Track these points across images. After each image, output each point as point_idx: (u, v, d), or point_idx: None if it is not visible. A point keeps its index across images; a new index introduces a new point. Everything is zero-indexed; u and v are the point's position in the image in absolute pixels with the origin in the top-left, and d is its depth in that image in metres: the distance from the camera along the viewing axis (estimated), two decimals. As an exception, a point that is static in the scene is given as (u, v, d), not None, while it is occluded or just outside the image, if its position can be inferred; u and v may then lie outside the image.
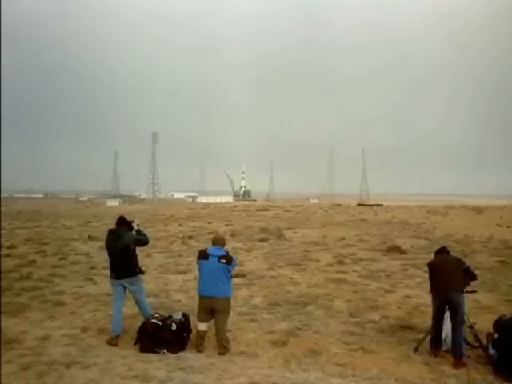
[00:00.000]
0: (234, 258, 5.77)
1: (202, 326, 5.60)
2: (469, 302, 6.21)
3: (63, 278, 9.78)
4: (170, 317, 5.81)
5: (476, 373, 4.90)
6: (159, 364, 4.97)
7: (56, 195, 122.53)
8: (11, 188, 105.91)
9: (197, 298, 5.82)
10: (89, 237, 17.29)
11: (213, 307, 5.53)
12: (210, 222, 26.58)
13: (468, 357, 5.21)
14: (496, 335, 5.17)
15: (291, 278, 9.89)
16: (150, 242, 6.72)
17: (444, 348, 5.48)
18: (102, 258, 10.31)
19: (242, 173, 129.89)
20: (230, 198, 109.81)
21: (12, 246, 14.53)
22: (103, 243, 6.54)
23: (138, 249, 6.13)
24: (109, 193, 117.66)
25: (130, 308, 6.47)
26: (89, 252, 13.63)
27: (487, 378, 4.76)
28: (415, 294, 8.29)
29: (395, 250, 13.85)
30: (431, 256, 6.14)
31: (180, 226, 24.17)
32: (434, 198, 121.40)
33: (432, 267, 5.70)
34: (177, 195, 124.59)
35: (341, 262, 11.96)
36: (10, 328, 6.07)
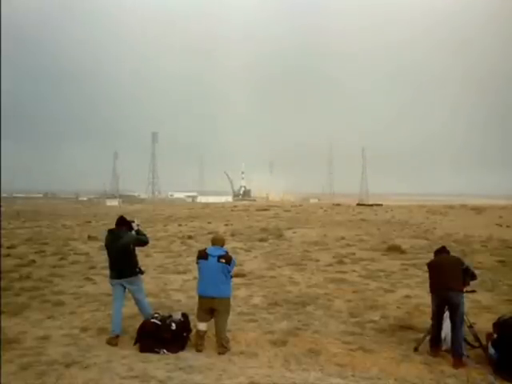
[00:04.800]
0: (233, 257, 5.78)
1: (202, 326, 5.60)
2: (469, 301, 6.21)
3: (63, 277, 9.79)
4: (170, 316, 5.81)
5: (476, 373, 4.90)
6: (159, 364, 4.97)
7: (56, 195, 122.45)
8: (11, 188, 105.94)
9: (196, 297, 5.82)
10: (88, 237, 17.31)
11: (212, 307, 5.53)
12: (209, 222, 26.57)
13: (468, 357, 5.21)
14: (496, 335, 5.17)
15: (291, 278, 9.89)
16: (150, 242, 6.73)
17: (444, 348, 5.48)
18: (102, 258, 10.33)
19: (242, 173, 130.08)
20: (229, 198, 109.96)
21: (12, 246, 14.54)
22: (103, 243, 6.54)
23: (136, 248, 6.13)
24: (108, 193, 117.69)
25: (129, 308, 6.47)
26: (88, 252, 13.65)
27: (487, 377, 4.77)
28: (415, 294, 8.29)
29: (395, 249, 13.85)
30: (431, 256, 6.14)
31: (180, 225, 24.18)
32: (434, 197, 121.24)
33: (431, 267, 5.70)
34: (176, 195, 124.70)
35: (340, 262, 11.97)
36: (10, 328, 6.07)
